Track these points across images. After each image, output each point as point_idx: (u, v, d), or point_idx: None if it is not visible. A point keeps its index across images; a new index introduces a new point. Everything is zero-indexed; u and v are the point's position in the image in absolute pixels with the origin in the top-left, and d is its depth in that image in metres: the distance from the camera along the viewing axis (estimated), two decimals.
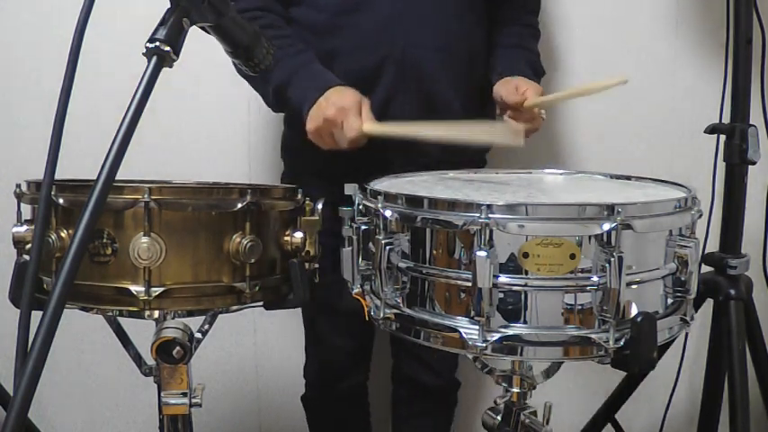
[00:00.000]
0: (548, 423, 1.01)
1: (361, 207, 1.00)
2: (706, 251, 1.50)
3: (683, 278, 0.91)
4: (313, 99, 1.28)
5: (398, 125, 1.27)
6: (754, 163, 1.43)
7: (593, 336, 0.85)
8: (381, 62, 1.39)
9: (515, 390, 1.05)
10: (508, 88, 1.37)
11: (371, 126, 1.24)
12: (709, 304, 1.48)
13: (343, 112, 1.24)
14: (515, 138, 1.24)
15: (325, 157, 1.32)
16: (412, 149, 1.28)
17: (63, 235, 1.05)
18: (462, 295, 0.88)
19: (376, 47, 1.39)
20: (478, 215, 0.83)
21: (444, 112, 1.41)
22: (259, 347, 1.93)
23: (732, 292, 1.42)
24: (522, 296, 0.85)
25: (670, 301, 0.93)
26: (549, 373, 1.05)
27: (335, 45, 1.41)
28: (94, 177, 0.73)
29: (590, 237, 0.84)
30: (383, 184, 1.09)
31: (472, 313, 0.85)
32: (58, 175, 0.88)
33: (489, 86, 1.44)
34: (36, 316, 0.72)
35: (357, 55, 1.40)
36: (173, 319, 1.09)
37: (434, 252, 0.90)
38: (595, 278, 0.84)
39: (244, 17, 1.44)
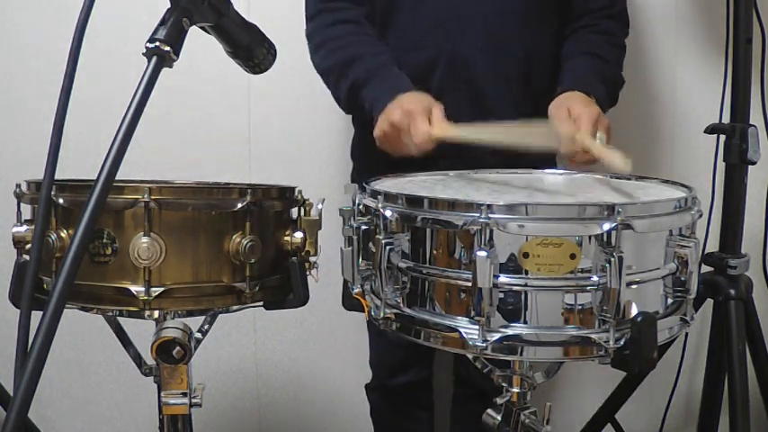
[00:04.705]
0: (548, 423, 1.01)
1: (361, 207, 1.00)
2: (706, 251, 1.50)
3: (683, 278, 0.91)
4: (384, 104, 1.27)
5: (471, 128, 1.20)
6: (754, 163, 1.43)
7: (593, 336, 0.85)
8: (432, 62, 1.39)
9: (515, 390, 1.05)
10: (560, 113, 1.23)
11: (441, 130, 1.20)
12: (709, 304, 1.48)
13: (409, 115, 1.22)
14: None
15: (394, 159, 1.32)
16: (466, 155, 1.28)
17: (63, 235, 1.04)
18: (462, 295, 0.88)
19: (428, 46, 1.40)
20: (478, 215, 0.83)
21: (494, 115, 1.37)
22: (259, 347, 1.93)
23: (732, 292, 1.42)
24: (522, 296, 0.85)
25: (670, 301, 0.92)
26: (549, 373, 1.05)
27: (398, 41, 1.43)
28: (94, 177, 0.73)
29: (590, 237, 0.84)
30: (383, 185, 1.09)
31: (472, 313, 0.85)
32: (57, 175, 0.88)
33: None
34: (36, 316, 0.72)
35: (412, 53, 1.41)
36: (173, 319, 1.09)
37: (434, 252, 0.90)
38: (595, 278, 0.84)
39: (329, 6, 1.45)
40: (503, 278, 0.84)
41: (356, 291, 1.02)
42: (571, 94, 1.29)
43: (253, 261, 1.08)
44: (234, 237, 1.07)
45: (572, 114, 1.21)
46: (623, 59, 1.50)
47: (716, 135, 1.48)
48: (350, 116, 1.58)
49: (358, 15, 1.44)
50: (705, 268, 1.44)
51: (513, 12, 1.40)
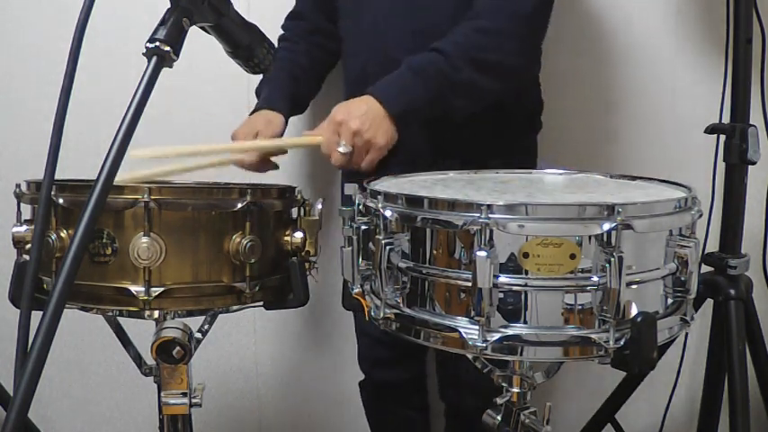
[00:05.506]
0: (548, 423, 1.01)
1: (361, 207, 1.00)
2: (706, 251, 1.50)
3: (683, 278, 0.91)
4: None
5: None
6: (754, 163, 1.43)
7: (593, 336, 0.85)
8: (366, 67, 1.41)
9: (515, 390, 1.04)
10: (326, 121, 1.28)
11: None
12: (709, 304, 1.48)
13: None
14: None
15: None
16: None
17: (63, 235, 1.05)
18: (462, 295, 0.88)
19: (362, 52, 1.44)
20: (478, 215, 0.83)
21: (441, 118, 1.36)
22: (259, 347, 1.93)
23: (732, 292, 1.42)
24: (522, 296, 0.85)
25: (670, 301, 0.92)
26: (549, 373, 1.05)
27: (342, 48, 1.52)
28: (94, 177, 0.73)
29: (590, 237, 0.84)
30: (383, 184, 1.09)
31: (472, 313, 0.85)
32: (57, 175, 0.88)
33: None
34: (36, 316, 0.72)
35: (350, 59, 1.48)
36: (173, 319, 1.09)
37: (434, 252, 0.90)
38: (595, 278, 0.84)
39: (287, 24, 1.61)
40: (503, 278, 0.84)
41: (356, 291, 1.02)
42: (355, 100, 1.26)
43: (253, 261, 1.08)
44: (234, 237, 1.07)
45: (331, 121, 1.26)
46: (496, 44, 1.28)
47: (716, 135, 1.48)
48: None
49: (297, 27, 1.59)
50: (705, 268, 1.44)
51: (448, 9, 1.34)
